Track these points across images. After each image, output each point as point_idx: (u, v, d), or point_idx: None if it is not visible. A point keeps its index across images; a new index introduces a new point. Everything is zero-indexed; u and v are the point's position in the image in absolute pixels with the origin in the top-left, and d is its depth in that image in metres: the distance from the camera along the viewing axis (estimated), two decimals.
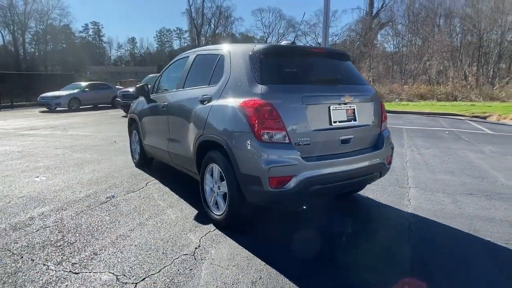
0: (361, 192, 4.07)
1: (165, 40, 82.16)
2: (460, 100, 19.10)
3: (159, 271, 2.42)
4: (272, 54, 2.95)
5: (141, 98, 5.04)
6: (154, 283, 2.29)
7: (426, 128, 10.10)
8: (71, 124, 11.21)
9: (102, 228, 3.13)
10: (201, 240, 2.90)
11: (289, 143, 2.65)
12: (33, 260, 2.56)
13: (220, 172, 3.01)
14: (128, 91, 14.03)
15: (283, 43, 3.26)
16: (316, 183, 2.71)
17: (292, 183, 2.63)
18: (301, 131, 2.71)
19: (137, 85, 4.67)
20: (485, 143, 7.55)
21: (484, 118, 12.93)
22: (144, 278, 2.34)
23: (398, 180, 4.65)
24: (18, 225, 3.16)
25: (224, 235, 2.97)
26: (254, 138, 2.62)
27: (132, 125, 5.33)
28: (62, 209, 3.57)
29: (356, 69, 3.45)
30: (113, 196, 3.95)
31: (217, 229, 3.08)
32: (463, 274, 2.43)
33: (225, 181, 2.94)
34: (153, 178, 4.67)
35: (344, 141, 2.94)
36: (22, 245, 2.79)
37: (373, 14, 38.89)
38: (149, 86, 4.73)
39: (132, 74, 54.42)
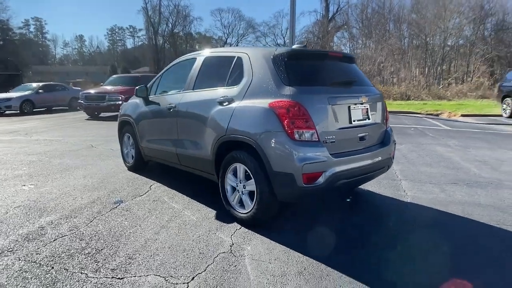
0: (361, 186, 4.36)
1: (118, 38, 78.90)
2: (413, 99, 20.63)
3: (204, 270, 2.47)
4: (294, 57, 3.11)
5: (135, 100, 4.94)
6: (204, 281, 2.34)
7: (393, 125, 10.81)
8: (32, 128, 10.47)
9: (125, 233, 3.07)
10: (232, 238, 2.97)
11: (318, 141, 2.83)
12: (67, 269, 2.48)
13: (246, 171, 3.11)
14: (90, 93, 13.41)
15: (295, 46, 3.42)
16: (342, 178, 2.92)
17: (322, 179, 2.81)
18: (328, 129, 2.90)
19: (138, 87, 4.57)
20: (448, 137, 8.32)
21: (437, 115, 14.10)
22: (193, 278, 2.38)
23: (388, 174, 5.00)
24: (31, 236, 3.00)
25: (252, 232, 3.07)
26: (286, 137, 2.76)
27: (124, 128, 5.20)
28: (71, 216, 3.43)
29: (361, 71, 3.73)
30: (121, 201, 3.86)
31: (243, 227, 3.16)
32: (474, 250, 2.77)
33: (252, 180, 3.04)
34: (154, 181, 4.60)
35: (361, 138, 3.18)
36: (46, 255, 2.67)
37: (329, 18, 40.52)
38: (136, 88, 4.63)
39: (82, 74, 51.48)
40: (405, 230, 3.21)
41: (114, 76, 16.03)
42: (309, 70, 3.12)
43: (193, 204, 3.77)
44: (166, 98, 4.26)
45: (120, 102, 12.92)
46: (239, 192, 3.24)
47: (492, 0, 28.67)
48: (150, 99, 4.53)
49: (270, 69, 3.05)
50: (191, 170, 4.00)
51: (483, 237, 3.04)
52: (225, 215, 3.41)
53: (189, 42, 50.84)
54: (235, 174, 3.27)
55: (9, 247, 2.79)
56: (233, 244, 2.86)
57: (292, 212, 3.61)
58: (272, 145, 2.82)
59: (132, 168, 5.12)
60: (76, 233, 3.07)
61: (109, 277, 2.38)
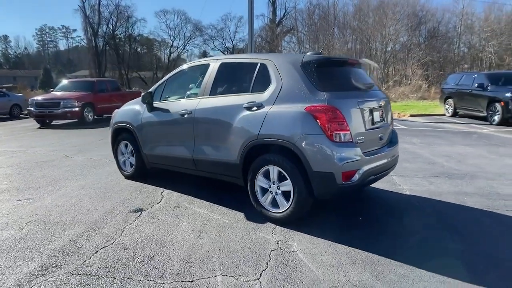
0: None
1: (48, 39, 73.16)
2: None
3: (266, 267, 2.64)
4: (322, 64, 3.39)
5: (133, 107, 4.89)
6: (273, 276, 2.51)
7: None
8: None
9: (166, 239, 3.11)
10: (274, 236, 3.16)
11: (352, 141, 3.14)
12: (131, 278, 2.49)
13: (280, 173, 3.32)
14: (41, 99, 12.51)
15: (309, 53, 3.70)
16: (371, 174, 3.27)
17: (357, 176, 3.13)
18: (358, 131, 3.22)
19: (145, 92, 4.54)
20: (409, 136, 9.22)
21: None
22: (261, 274, 2.54)
23: None
24: (67, 250, 2.91)
25: (290, 229, 3.28)
26: (326, 139, 3.04)
27: (120, 136, 5.08)
28: (97, 227, 3.36)
29: None
30: (140, 210, 3.83)
31: (278, 226, 3.36)
32: (482, 231, 3.27)
33: (288, 180, 3.26)
34: (162, 188, 4.59)
35: (381, 138, 3.56)
36: (98, 267, 2.64)
37: (276, 22, 41.75)
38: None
39: (9, 79, 46.89)
40: (422, 218, 3.65)
41: (66, 81, 15.05)
42: (335, 75, 3.43)
43: (216, 208, 3.87)
44: (177, 104, 4.30)
45: (77, 109, 12.26)
46: (272, 193, 3.43)
47: (424, 10, 31.89)
48: (155, 105, 4.52)
49: (301, 76, 3.31)
50: (209, 175, 4.10)
51: (484, 220, 3.58)
52: (254, 216, 3.58)
53: (132, 45, 48.95)
54: (266, 176, 3.46)
55: (51, 263, 2.70)
56: (278, 241, 3.06)
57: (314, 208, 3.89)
58: (312, 147, 3.08)
59: (131, 176, 5.03)
60: (116, 242, 3.04)
61: (179, 281, 2.45)
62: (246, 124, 3.49)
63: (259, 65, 3.63)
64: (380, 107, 3.59)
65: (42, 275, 2.52)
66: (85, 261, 2.73)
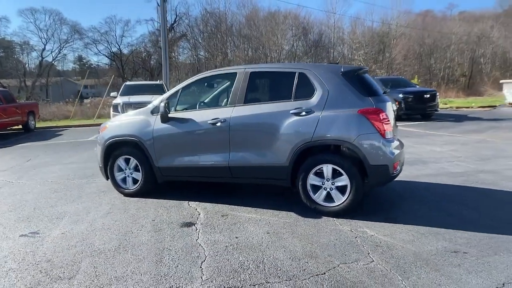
0: None
1: None
2: None
3: (369, 251, 3.05)
4: (358, 73, 3.95)
5: (136, 118, 4.65)
6: (383, 259, 2.93)
7: None
8: None
9: (256, 243, 3.20)
10: (342, 227, 3.57)
11: (393, 137, 3.80)
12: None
13: (334, 170, 3.75)
14: None
15: (326, 64, 4.22)
16: (402, 164, 3.99)
17: (399, 167, 3.81)
18: (392, 129, 3.90)
19: (161, 103, 4.31)
20: None
21: None
22: (372, 257, 2.94)
23: None
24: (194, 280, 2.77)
25: (345, 219, 3.72)
26: (380, 137, 3.61)
27: (117, 151, 4.68)
28: (172, 248, 3.20)
29: None
30: (191, 223, 3.73)
31: (335, 218, 3.77)
32: (465, 196, 4.34)
33: (344, 176, 3.71)
34: (181, 200, 4.47)
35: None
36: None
37: (167, 27, 40.85)
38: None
39: None
40: (431, 197, 4.55)
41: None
42: (366, 82, 4.03)
43: (263, 211, 4.04)
44: (203, 113, 4.29)
45: None
46: (326, 189, 3.83)
47: (306, 22, 36.03)
48: (171, 115, 4.38)
49: (344, 83, 3.81)
50: (248, 180, 4.24)
51: (464, 192, 4.70)
52: (304, 212, 3.91)
53: None
54: (317, 174, 3.84)
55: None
56: (351, 230, 3.48)
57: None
58: (369, 144, 3.61)
59: (134, 194, 4.69)
60: (213, 256, 3.00)
61: (314, 275, 2.66)
62: (297, 128, 3.81)
63: (297, 74, 3.99)
64: (396, 108, 4.37)
65: None
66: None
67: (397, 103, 13.47)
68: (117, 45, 42.92)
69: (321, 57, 34.40)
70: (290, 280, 2.61)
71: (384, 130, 3.65)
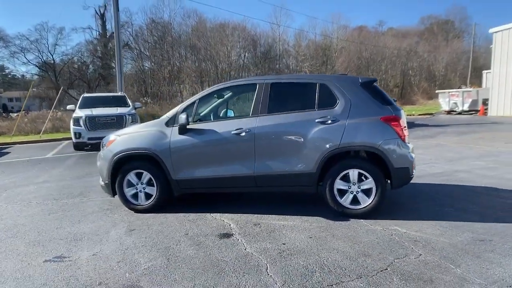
0: None
1: None
2: None
3: (413, 246, 3.34)
4: (372, 84, 4.30)
5: (151, 130, 4.53)
6: (428, 252, 3.25)
7: None
8: None
9: (309, 249, 3.33)
10: (374, 226, 3.84)
11: (409, 142, 4.20)
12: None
13: (360, 174, 4.03)
14: None
15: (337, 74, 4.54)
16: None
17: (414, 168, 4.21)
18: (408, 134, 4.31)
19: (179, 114, 4.25)
20: None
21: None
22: (419, 252, 3.23)
23: None
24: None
25: (372, 220, 4.01)
26: (402, 142, 3.98)
27: (126, 165, 4.50)
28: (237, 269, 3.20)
29: None
30: (229, 234, 3.73)
31: (363, 220, 4.04)
32: (452, 193, 4.91)
33: (370, 179, 4.00)
34: (200, 212, 4.44)
35: None
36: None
37: (107, 36, 39.12)
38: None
39: None
40: (432, 194, 5.03)
41: None
42: (381, 92, 4.40)
43: (292, 218, 4.16)
44: (225, 123, 4.33)
45: None
46: (352, 193, 4.09)
47: (257, 34, 36.97)
48: (189, 127, 4.35)
49: (364, 93, 4.14)
50: (272, 188, 4.35)
51: (457, 189, 5.29)
52: (329, 215, 4.13)
53: None
54: (343, 179, 4.08)
55: None
56: (384, 229, 3.76)
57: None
58: (393, 148, 3.95)
59: (148, 209, 4.53)
60: (321, 261, 3.06)
61: (379, 270, 2.87)
62: (324, 135, 4.04)
63: (319, 85, 4.24)
64: None
65: None
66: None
67: None
68: (49, 54, 39.91)
69: (270, 69, 35.50)
70: (361, 277, 2.79)
71: (404, 136, 4.03)
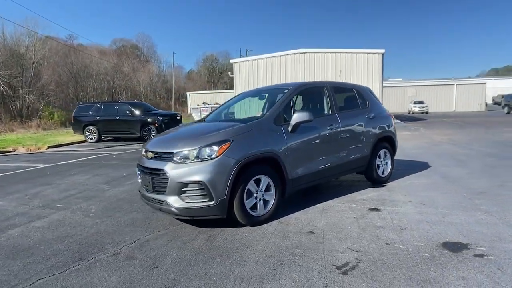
0: None
1: None
2: None
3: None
4: (371, 90, 6.17)
5: (265, 130, 4.23)
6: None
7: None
8: None
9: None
10: (405, 197, 5.77)
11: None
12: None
13: (385, 152, 5.85)
14: None
15: (340, 80, 6.05)
16: None
17: None
18: None
19: (296, 112, 4.25)
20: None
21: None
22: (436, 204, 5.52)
23: None
24: None
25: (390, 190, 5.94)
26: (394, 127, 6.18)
27: (246, 173, 3.92)
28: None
29: None
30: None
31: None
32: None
33: (389, 155, 5.90)
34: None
35: None
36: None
37: None
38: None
39: None
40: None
41: None
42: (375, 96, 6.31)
43: (339, 200, 5.30)
44: (318, 120, 4.76)
45: None
46: (382, 166, 5.80)
47: None
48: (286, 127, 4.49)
49: (374, 97, 5.99)
50: (339, 175, 5.28)
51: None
52: (366, 191, 5.68)
53: None
54: (379, 156, 5.72)
55: None
56: (405, 195, 5.78)
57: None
58: (395, 130, 6.03)
59: (266, 220, 4.09)
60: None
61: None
62: (375, 126, 5.55)
63: (355, 91, 5.68)
64: None
65: None
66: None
67: (155, 124, 14.87)
68: None
69: None
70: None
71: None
